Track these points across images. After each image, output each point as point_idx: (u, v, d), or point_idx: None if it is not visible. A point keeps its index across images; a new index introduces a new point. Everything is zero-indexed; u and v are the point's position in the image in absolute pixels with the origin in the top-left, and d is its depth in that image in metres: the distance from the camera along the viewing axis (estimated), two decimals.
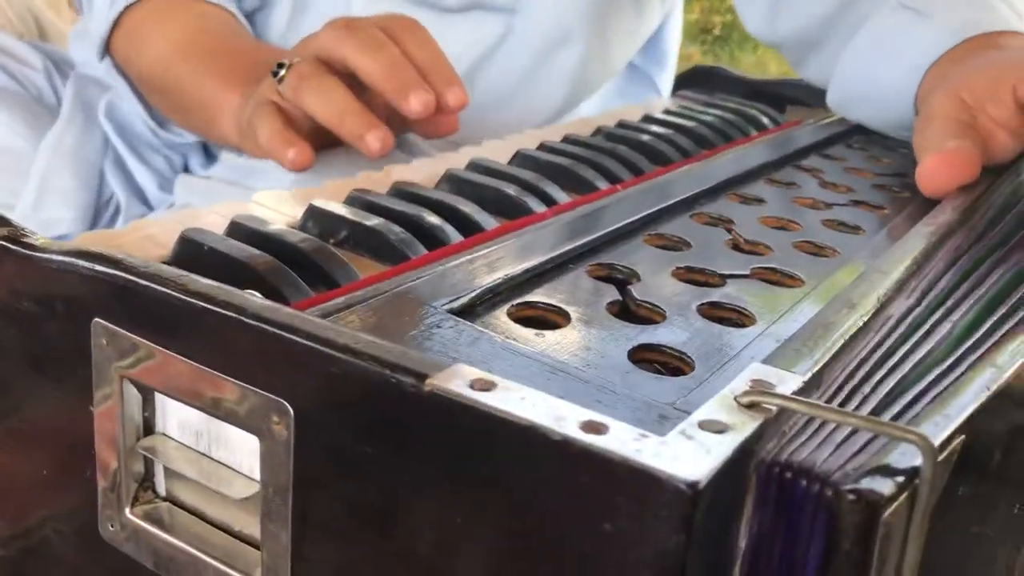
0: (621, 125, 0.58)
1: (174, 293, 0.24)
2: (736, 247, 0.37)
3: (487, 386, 0.20)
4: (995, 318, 0.30)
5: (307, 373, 0.22)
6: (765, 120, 0.62)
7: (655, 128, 0.56)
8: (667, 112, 0.62)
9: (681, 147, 0.53)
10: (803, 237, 0.38)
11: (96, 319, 0.26)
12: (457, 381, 0.20)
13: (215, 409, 0.24)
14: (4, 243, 0.28)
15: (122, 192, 0.82)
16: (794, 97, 0.70)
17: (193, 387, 0.25)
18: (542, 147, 0.51)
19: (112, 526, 0.28)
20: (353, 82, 0.48)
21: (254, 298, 0.24)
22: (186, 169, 0.85)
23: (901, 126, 0.52)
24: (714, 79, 0.77)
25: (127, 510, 0.27)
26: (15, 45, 0.92)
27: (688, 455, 0.18)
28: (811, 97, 0.68)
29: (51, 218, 0.80)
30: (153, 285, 0.24)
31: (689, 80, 0.78)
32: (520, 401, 0.20)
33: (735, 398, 0.20)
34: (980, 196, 0.40)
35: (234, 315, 0.23)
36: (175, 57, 0.69)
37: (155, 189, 0.82)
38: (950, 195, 0.40)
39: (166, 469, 0.27)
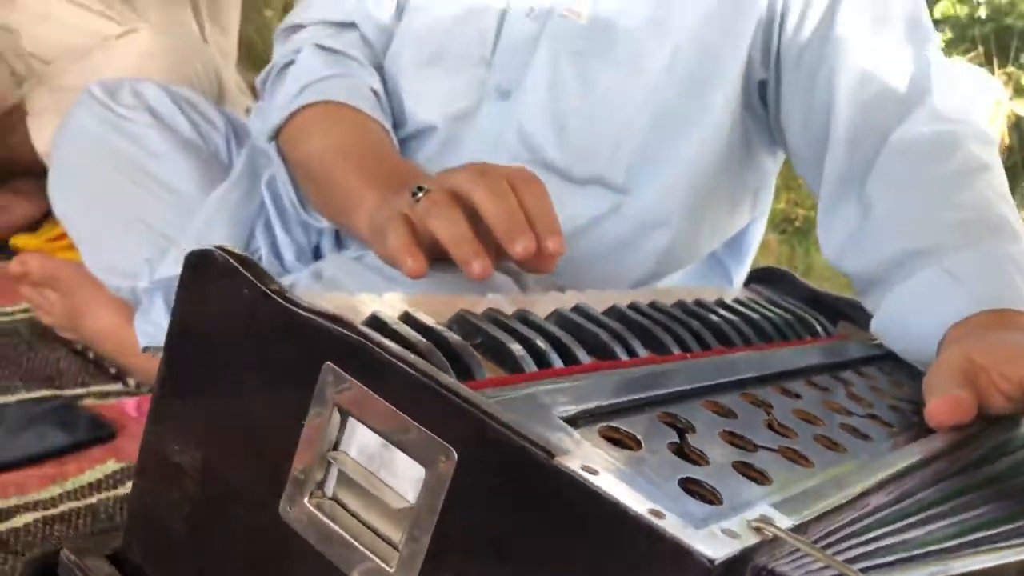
0: (698, 303, 0.70)
1: (394, 360, 0.36)
2: (770, 426, 0.48)
3: (592, 472, 0.31)
4: (962, 540, 0.40)
5: (473, 433, 0.34)
6: (818, 328, 0.74)
7: (725, 313, 0.68)
8: (737, 301, 0.73)
9: (744, 334, 0.64)
10: (822, 432, 0.49)
11: (328, 362, 0.38)
12: (575, 463, 0.32)
13: (398, 438, 0.36)
14: (272, 295, 0.40)
15: (266, 252, 0.95)
16: (847, 314, 0.81)
17: (385, 422, 0.36)
18: (632, 306, 0.63)
19: (291, 508, 0.39)
20: (474, 215, 0.60)
21: (447, 375, 0.36)
22: (317, 248, 0.99)
23: (923, 363, 0.63)
24: (782, 280, 0.88)
25: (305, 499, 0.39)
26: (205, 106, 1.08)
27: (712, 543, 0.29)
28: (861, 318, 0.79)
29: None
30: (379, 350, 0.36)
31: (761, 276, 0.90)
32: (612, 486, 0.31)
33: (748, 521, 0.31)
34: (970, 436, 0.51)
35: (431, 383, 0.35)
36: (331, 152, 0.82)
37: (292, 257, 0.96)
38: (946, 430, 0.51)
39: (338, 476, 0.39)
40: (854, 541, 0.34)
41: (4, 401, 0.93)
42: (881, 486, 0.41)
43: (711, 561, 0.28)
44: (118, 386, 1.02)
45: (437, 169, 0.90)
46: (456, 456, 0.34)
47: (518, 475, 0.33)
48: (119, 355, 1.03)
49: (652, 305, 0.65)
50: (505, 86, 0.88)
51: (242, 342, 0.41)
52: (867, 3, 0.82)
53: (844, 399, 0.56)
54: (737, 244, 1.03)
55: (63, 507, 0.78)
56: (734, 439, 0.44)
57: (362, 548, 0.37)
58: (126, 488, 0.82)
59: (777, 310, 0.74)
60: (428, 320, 0.47)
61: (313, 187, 0.86)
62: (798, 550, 0.32)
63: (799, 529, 0.33)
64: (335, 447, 0.39)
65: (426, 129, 0.90)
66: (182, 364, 0.44)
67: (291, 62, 0.91)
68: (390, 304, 0.49)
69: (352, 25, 0.93)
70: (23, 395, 0.94)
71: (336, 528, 0.38)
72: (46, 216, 1.40)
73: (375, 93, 0.89)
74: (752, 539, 0.31)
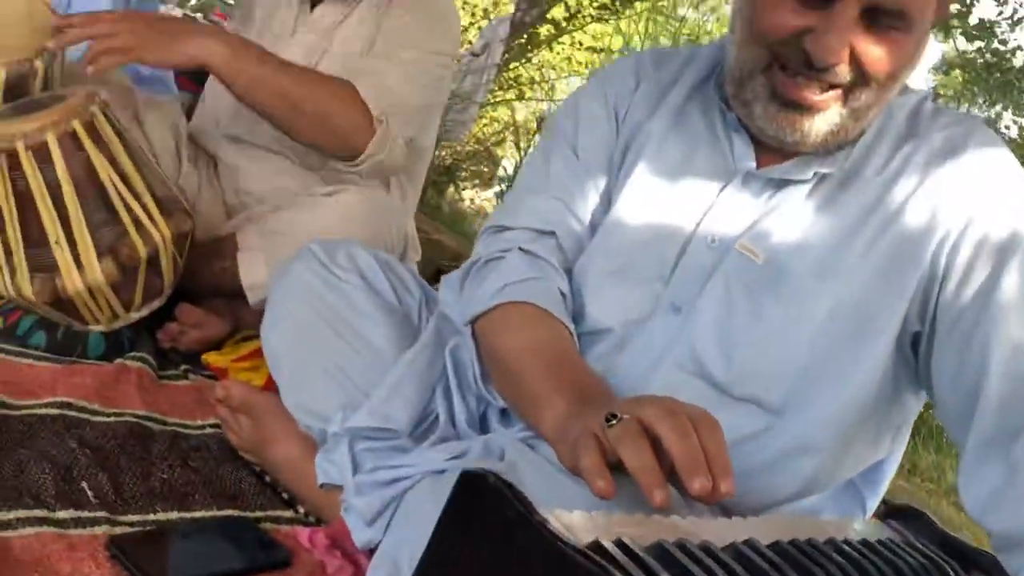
0: (846, 542, 0.76)
1: None
2: None
3: None
4: None
5: None
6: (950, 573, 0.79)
7: (871, 555, 0.74)
8: (879, 542, 0.80)
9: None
10: None
11: None
12: None
13: None
14: (536, 525, 0.50)
15: (443, 414, 1.06)
16: (983, 567, 0.86)
17: None
18: (793, 543, 0.70)
19: None
20: (657, 444, 0.69)
21: None
22: (484, 416, 1.09)
23: None
24: (918, 520, 0.94)
25: None
26: (403, 272, 1.23)
27: None
28: (996, 574, 0.83)
29: (391, 415, 1.04)
30: None
31: (897, 513, 0.96)
32: None
33: None
34: None
35: None
36: (528, 353, 0.93)
37: (464, 422, 1.06)
38: None
39: None
40: None
41: (200, 515, 1.05)
42: None
43: None
44: (290, 512, 1.13)
45: (607, 367, 1.01)
46: None
47: None
48: (296, 485, 1.15)
49: (809, 542, 0.72)
50: (678, 303, 0.99)
51: (503, 560, 0.51)
52: None
53: None
54: (873, 474, 1.09)
55: None
56: None
57: None
58: None
59: (916, 555, 0.80)
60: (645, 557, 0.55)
61: (503, 379, 0.97)
62: None
63: None
64: None
65: (603, 331, 1.01)
66: (443, 567, 0.54)
67: (497, 258, 1.04)
68: (603, 527, 0.58)
69: (551, 233, 1.06)
70: (214, 511, 1.06)
71: None
72: (231, 334, 1.57)
73: (563, 295, 1.01)
74: None
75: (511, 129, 7.08)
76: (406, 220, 1.59)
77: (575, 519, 0.58)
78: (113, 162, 1.28)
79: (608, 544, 0.54)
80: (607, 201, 1.07)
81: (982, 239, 0.91)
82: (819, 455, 0.97)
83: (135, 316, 1.35)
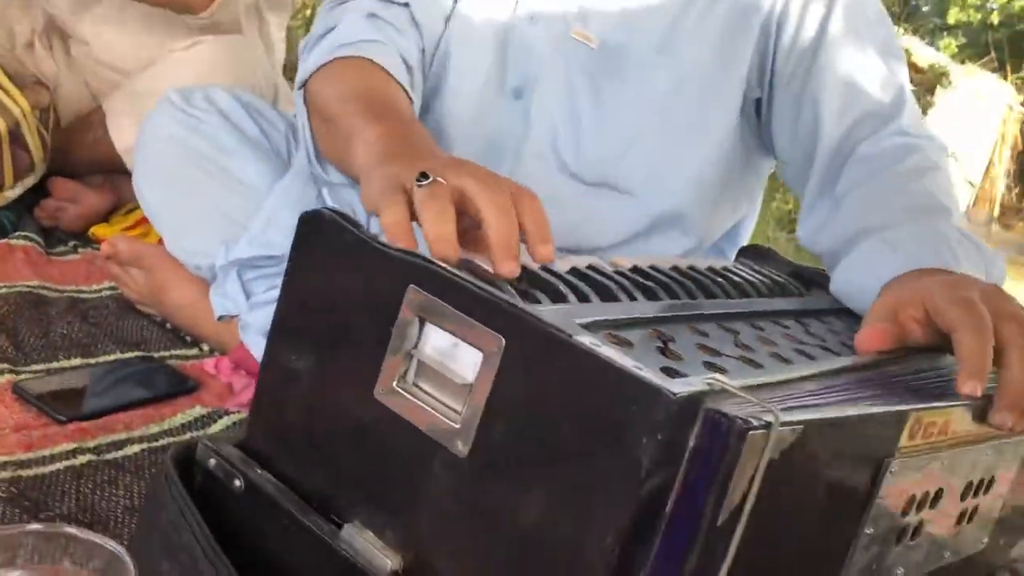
0: (691, 267, 0.84)
1: (460, 279, 0.51)
2: (736, 344, 0.63)
3: (597, 345, 0.47)
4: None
5: (516, 324, 0.49)
6: (794, 292, 0.88)
7: (713, 275, 0.82)
8: (724, 268, 0.88)
9: (727, 291, 0.79)
10: (777, 351, 0.64)
11: (411, 284, 0.53)
12: (586, 340, 0.47)
13: (462, 333, 0.51)
14: (369, 240, 0.56)
15: None
16: (820, 284, 0.96)
17: (453, 323, 0.52)
18: (634, 268, 0.78)
19: (383, 392, 0.54)
20: (463, 213, 0.61)
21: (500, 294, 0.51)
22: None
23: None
24: (766, 256, 1.03)
25: (394, 383, 0.54)
26: (267, 109, 1.25)
27: (676, 386, 0.44)
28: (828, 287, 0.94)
29: (271, 241, 1.08)
30: (449, 274, 0.52)
31: (748, 253, 1.05)
32: (610, 353, 0.46)
33: (704, 380, 0.46)
34: (891, 357, 0.66)
35: (487, 295, 0.50)
36: (349, 98, 0.87)
37: None
38: (871, 354, 0.66)
39: (417, 366, 0.54)
40: (780, 395, 0.50)
41: (105, 360, 1.09)
42: (810, 378, 0.56)
43: (674, 394, 0.43)
44: (195, 351, 1.18)
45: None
46: (504, 341, 0.49)
47: (546, 352, 0.48)
48: (194, 326, 1.19)
49: (652, 267, 0.80)
50: (519, 88, 1.02)
51: (345, 275, 0.57)
52: (848, 35, 0.97)
53: (801, 334, 0.71)
54: (734, 235, 1.18)
55: (163, 441, 0.94)
56: (705, 349, 0.59)
57: (434, 412, 0.52)
58: (212, 428, 0.98)
59: (759, 276, 0.88)
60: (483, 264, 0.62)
61: (324, 127, 0.91)
62: (740, 401, 0.47)
63: (743, 389, 0.48)
64: (415, 346, 0.54)
65: (448, 117, 1.04)
66: (298, 293, 0.60)
67: (335, 27, 0.97)
68: None
69: (405, 5, 1.00)
70: (118, 355, 1.11)
71: (416, 401, 0.53)
72: (115, 208, 1.57)
73: (407, 64, 0.95)
74: (706, 388, 0.46)
75: None
76: (273, 70, 1.59)
77: None
78: None
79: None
80: None
81: (804, 2, 0.97)
82: (682, 223, 1.05)
83: (11, 195, 1.35)
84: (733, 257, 1.20)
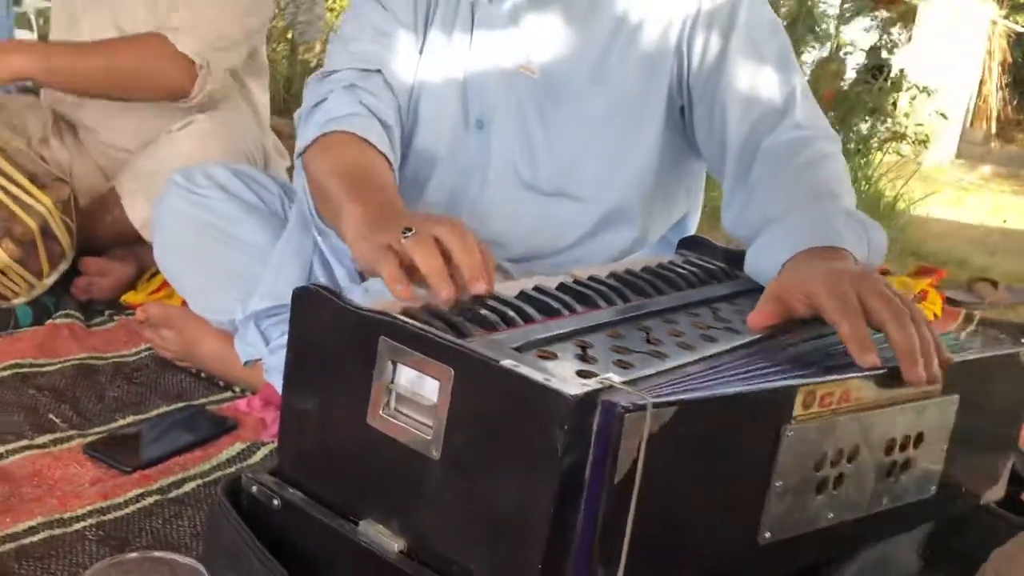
0: (628, 271, 1.01)
1: (418, 329, 0.69)
2: (647, 340, 0.79)
3: (516, 366, 0.64)
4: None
5: (459, 358, 0.66)
6: (721, 275, 1.04)
7: (644, 274, 0.98)
8: (659, 265, 1.04)
9: (657, 287, 0.95)
10: (683, 340, 0.80)
11: (382, 336, 0.70)
12: (507, 363, 0.64)
13: (422, 369, 0.68)
14: (348, 307, 0.73)
15: (325, 280, 1.28)
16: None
17: (415, 363, 0.69)
18: (576, 280, 0.94)
19: (373, 418, 0.72)
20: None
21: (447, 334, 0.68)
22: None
23: None
24: (703, 246, 1.19)
25: (380, 411, 0.71)
26: (261, 177, 1.42)
27: (574, 389, 0.61)
28: None
29: (281, 292, 1.25)
30: (409, 325, 0.69)
31: (688, 244, 1.21)
32: (525, 371, 0.63)
33: (599, 380, 0.63)
34: (778, 333, 0.83)
35: (437, 339, 0.67)
36: (335, 171, 1.05)
37: (346, 279, 1.28)
38: (762, 329, 0.82)
39: (396, 396, 0.71)
40: (667, 380, 0.67)
41: (155, 413, 1.27)
42: (703, 359, 0.73)
43: (570, 395, 0.60)
44: (228, 393, 1.36)
45: (451, 189, 1.21)
46: (452, 371, 0.66)
47: (483, 375, 0.65)
48: (225, 372, 1.37)
49: (591, 277, 0.96)
50: (481, 120, 1.19)
51: (333, 334, 0.74)
52: (747, 49, 1.13)
53: (710, 319, 0.88)
54: (681, 229, 1.34)
55: (215, 476, 1.12)
56: (619, 349, 0.76)
57: (412, 429, 0.69)
58: (253, 458, 1.16)
59: (688, 267, 1.05)
60: (440, 309, 0.79)
61: (319, 199, 1.11)
62: (627, 392, 0.63)
63: (628, 382, 0.65)
64: (392, 381, 0.71)
65: (432, 155, 1.22)
66: (300, 352, 0.77)
67: (323, 100, 1.14)
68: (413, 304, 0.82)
69: (378, 71, 1.17)
70: (164, 407, 1.29)
71: (398, 422, 0.70)
72: (139, 273, 1.75)
73: (385, 126, 1.13)
74: (600, 385, 0.63)
75: None
76: (260, 131, 1.77)
77: (386, 304, 0.80)
78: None
79: (415, 309, 0.78)
80: (422, 41, 1.21)
81: (710, 20, 1.13)
82: (627, 218, 1.22)
83: (48, 281, 1.54)
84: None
